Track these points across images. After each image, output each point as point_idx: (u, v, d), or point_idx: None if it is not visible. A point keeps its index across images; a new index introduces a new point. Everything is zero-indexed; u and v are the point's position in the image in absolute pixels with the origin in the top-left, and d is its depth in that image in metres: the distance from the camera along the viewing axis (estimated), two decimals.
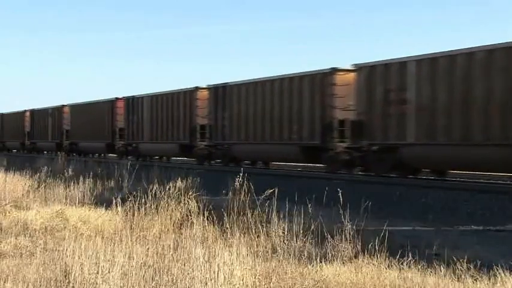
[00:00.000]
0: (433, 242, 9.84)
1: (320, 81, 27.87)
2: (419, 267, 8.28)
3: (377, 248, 8.83)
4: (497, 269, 7.91)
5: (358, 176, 25.74)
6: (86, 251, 7.98)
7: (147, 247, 8.78)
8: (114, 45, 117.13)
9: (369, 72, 25.31)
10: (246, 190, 11.62)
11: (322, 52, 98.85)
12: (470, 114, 21.03)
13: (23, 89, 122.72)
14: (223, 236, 9.80)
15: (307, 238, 9.67)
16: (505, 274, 7.78)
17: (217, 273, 7.30)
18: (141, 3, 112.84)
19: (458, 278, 7.82)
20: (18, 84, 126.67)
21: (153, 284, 7.34)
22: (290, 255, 8.93)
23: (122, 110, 45.11)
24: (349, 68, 26.89)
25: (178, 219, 11.41)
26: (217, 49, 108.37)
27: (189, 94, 37.48)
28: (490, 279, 7.79)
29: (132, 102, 43.76)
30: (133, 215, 11.64)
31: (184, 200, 11.85)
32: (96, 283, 7.28)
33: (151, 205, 11.81)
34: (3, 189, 16.97)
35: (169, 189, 12.41)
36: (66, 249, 8.20)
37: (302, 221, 9.93)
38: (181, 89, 38.72)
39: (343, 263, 8.79)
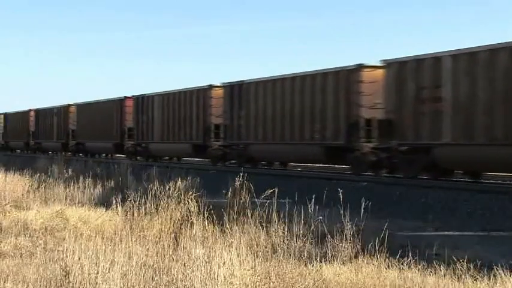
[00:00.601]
0: (433, 242, 9.85)
1: (345, 78, 26.56)
2: (420, 267, 8.28)
3: (377, 248, 8.84)
4: (497, 269, 7.91)
5: (361, 176, 25.67)
6: (86, 251, 7.98)
7: (147, 247, 8.78)
8: (114, 45, 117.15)
9: (398, 69, 23.89)
10: (246, 190, 11.62)
11: (322, 52, 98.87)
12: None
13: (22, 89, 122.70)
14: (223, 236, 9.80)
15: (307, 238, 9.67)
16: (505, 274, 7.78)
17: (217, 273, 7.30)
18: (141, 3, 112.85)
19: (458, 278, 7.82)
20: (18, 84, 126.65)
21: (153, 284, 7.34)
22: (290, 255, 8.93)
23: (130, 109, 43.98)
24: (377, 64, 25.53)
25: (178, 219, 11.41)
26: (217, 49, 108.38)
27: (203, 92, 36.27)
28: (490, 279, 7.79)
29: (142, 101, 42.55)
30: (133, 215, 11.65)
31: (184, 200, 11.85)
32: (96, 283, 7.28)
33: (151, 205, 11.81)
34: (3, 189, 16.97)
35: (169, 189, 12.42)
36: (66, 249, 8.19)
37: (302, 221, 9.93)
38: (194, 87, 37.57)
39: (343, 263, 8.79)
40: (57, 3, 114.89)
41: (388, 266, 8.33)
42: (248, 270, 7.56)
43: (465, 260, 8.12)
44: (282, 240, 9.56)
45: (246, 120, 32.50)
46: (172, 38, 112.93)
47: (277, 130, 30.23)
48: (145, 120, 41.71)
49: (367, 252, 8.91)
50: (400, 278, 7.88)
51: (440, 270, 8.08)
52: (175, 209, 11.68)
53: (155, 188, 12.41)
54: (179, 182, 13.16)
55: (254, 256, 8.27)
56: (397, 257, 8.53)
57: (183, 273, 7.43)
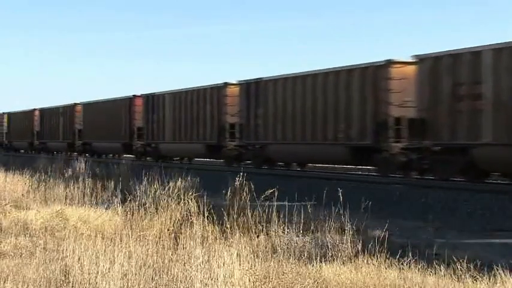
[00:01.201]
0: (433, 242, 9.85)
1: (373, 75, 25.35)
2: (419, 267, 8.28)
3: (377, 248, 8.84)
4: (497, 269, 7.91)
5: (358, 176, 25.64)
6: (86, 251, 7.98)
7: (147, 247, 8.78)
8: (114, 45, 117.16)
9: (432, 64, 22.55)
10: (246, 190, 11.62)
11: (322, 52, 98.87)
12: None
13: (22, 89, 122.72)
14: (223, 236, 9.80)
15: (307, 238, 9.67)
16: (505, 274, 7.78)
17: (217, 273, 7.30)
18: (141, 3, 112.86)
19: (458, 278, 7.82)
20: (18, 84, 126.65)
21: (153, 284, 7.34)
22: (290, 255, 8.93)
23: (140, 108, 42.71)
24: (408, 60, 24.30)
25: (178, 219, 11.41)
26: (217, 49, 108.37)
27: (217, 91, 35.02)
28: (490, 279, 7.79)
29: (152, 100, 41.29)
30: (133, 215, 11.65)
31: (184, 200, 11.85)
32: (96, 283, 7.28)
33: (151, 205, 11.81)
34: (3, 189, 16.97)
35: (169, 189, 12.41)
36: (66, 249, 8.19)
37: (302, 221, 9.94)
38: (208, 85, 36.33)
39: (343, 263, 8.79)
40: (57, 3, 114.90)
41: (388, 266, 8.33)
42: (248, 270, 7.56)
43: (465, 260, 8.12)
44: (282, 240, 9.57)
45: (263, 119, 31.28)
46: (172, 38, 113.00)
47: (297, 130, 29.04)
48: (156, 120, 40.54)
49: (367, 252, 8.91)
50: (400, 278, 7.88)
51: (440, 270, 8.08)
52: (175, 209, 11.69)
53: (155, 188, 12.41)
54: (179, 182, 13.14)
55: (254, 256, 8.27)
56: (397, 256, 8.52)
57: (183, 273, 7.42)
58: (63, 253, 8.19)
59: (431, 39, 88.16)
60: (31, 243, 10.66)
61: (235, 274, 7.36)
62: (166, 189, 12.39)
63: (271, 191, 10.88)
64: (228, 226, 10.23)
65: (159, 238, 10.09)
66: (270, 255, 8.87)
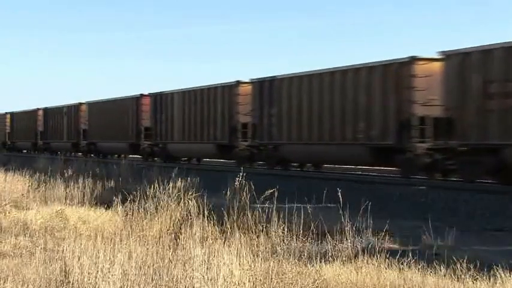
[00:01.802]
0: (433, 242, 9.84)
1: (395, 72, 24.53)
2: (419, 267, 8.27)
3: (377, 248, 8.83)
4: (497, 269, 7.91)
5: (359, 176, 25.60)
6: (86, 251, 7.97)
7: (147, 247, 8.78)
8: (114, 45, 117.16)
9: (461, 61, 21.55)
10: (246, 190, 11.61)
11: (322, 52, 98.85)
12: None
13: (23, 89, 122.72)
14: (223, 236, 9.80)
15: (307, 238, 9.67)
16: (505, 274, 7.78)
17: (217, 273, 7.30)
18: (141, 3, 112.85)
19: (458, 278, 7.82)
20: (18, 84, 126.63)
21: (153, 284, 7.34)
22: (290, 255, 8.93)
23: (147, 108, 41.93)
24: (433, 56, 23.43)
25: (178, 219, 11.41)
26: (217, 49, 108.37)
27: (229, 89, 34.10)
28: (490, 279, 7.79)
29: (160, 99, 40.46)
30: (133, 215, 11.64)
31: (184, 200, 11.84)
32: (96, 283, 7.28)
33: (151, 205, 11.80)
34: (3, 189, 16.96)
35: (169, 189, 12.41)
36: (66, 249, 8.19)
37: (302, 221, 9.93)
38: (219, 84, 35.40)
39: (343, 263, 8.78)
40: (57, 3, 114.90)
41: (388, 266, 8.33)
42: (248, 270, 7.55)
43: (465, 260, 8.12)
44: (281, 240, 9.57)
45: (277, 118, 30.38)
46: (172, 38, 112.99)
47: (314, 129, 28.12)
48: (164, 119, 39.77)
49: (367, 252, 8.91)
50: (400, 278, 7.88)
51: (440, 270, 8.08)
52: (175, 209, 11.69)
53: (155, 187, 12.40)
54: (179, 182, 13.14)
55: (254, 256, 8.27)
56: (397, 256, 8.52)
57: (183, 273, 7.42)
58: (63, 253, 8.18)
59: (431, 39, 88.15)
60: (31, 243, 10.67)
61: (235, 274, 7.36)
62: (166, 189, 12.38)
63: (271, 191, 10.87)
64: (228, 226, 10.23)
65: (159, 238, 10.09)
66: (269, 255, 8.87)
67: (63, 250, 8.33)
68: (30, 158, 39.89)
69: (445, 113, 22.28)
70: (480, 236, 12.49)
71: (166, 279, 7.39)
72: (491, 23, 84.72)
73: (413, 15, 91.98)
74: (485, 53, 20.91)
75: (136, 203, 11.81)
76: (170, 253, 8.39)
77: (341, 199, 10.12)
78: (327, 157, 28.72)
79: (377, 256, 8.65)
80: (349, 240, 9.36)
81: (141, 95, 43.06)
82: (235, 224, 10.35)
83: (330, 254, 9.19)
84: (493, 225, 13.84)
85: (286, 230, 9.78)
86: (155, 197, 12.15)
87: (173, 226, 11.24)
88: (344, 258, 9.00)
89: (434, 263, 8.33)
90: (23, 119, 63.16)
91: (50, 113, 57.51)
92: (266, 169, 30.30)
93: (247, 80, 33.43)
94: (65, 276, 7.54)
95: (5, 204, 14.48)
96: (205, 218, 10.55)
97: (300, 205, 11.07)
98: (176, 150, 38.87)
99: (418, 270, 8.17)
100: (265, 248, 9.33)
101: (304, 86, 28.98)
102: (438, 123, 22.70)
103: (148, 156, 41.33)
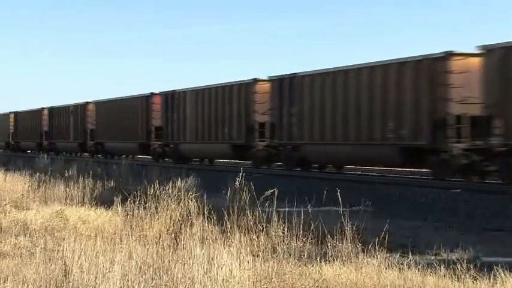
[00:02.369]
0: (433, 242, 9.84)
1: (428, 69, 23.28)
2: (419, 267, 8.28)
3: (377, 248, 8.83)
4: (497, 269, 7.91)
5: (359, 176, 25.54)
6: (85, 251, 7.98)
7: (147, 247, 8.78)
8: (114, 45, 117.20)
9: (503, 55, 20.19)
10: (246, 190, 11.60)
11: (322, 52, 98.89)
12: None
13: (25, 89, 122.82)
14: (223, 236, 9.80)
15: (307, 238, 9.67)
16: (505, 274, 7.78)
17: (217, 273, 7.30)
18: (141, 3, 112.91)
19: (458, 278, 7.82)
20: (21, 85, 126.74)
21: (153, 284, 7.34)
22: (290, 255, 8.93)
23: (158, 107, 40.67)
24: (470, 51, 22.22)
25: (178, 219, 11.41)
26: (217, 49, 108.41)
27: (245, 87, 32.78)
28: (490, 279, 7.79)
29: (172, 98, 39.05)
30: (133, 215, 11.65)
31: (184, 200, 11.85)
32: (96, 283, 7.28)
33: (151, 205, 11.81)
34: (3, 189, 16.97)
35: (169, 189, 12.41)
36: (66, 249, 8.19)
37: (302, 221, 9.93)
38: (235, 82, 33.99)
39: (343, 263, 8.79)
40: (57, 3, 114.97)
41: (388, 266, 8.33)
42: (248, 270, 7.56)
43: (465, 260, 8.12)
44: (281, 240, 9.57)
45: (298, 118, 29.04)
46: (172, 38, 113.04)
47: (338, 129, 26.89)
48: (176, 119, 38.35)
49: (367, 252, 8.91)
50: (400, 278, 7.88)
51: (440, 270, 8.08)
52: (175, 209, 11.69)
53: (155, 187, 12.40)
54: (179, 182, 13.14)
55: (254, 256, 8.27)
56: (397, 256, 8.52)
57: (183, 273, 7.42)
58: (63, 253, 8.18)
59: (431, 39, 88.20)
60: (31, 243, 10.66)
61: (235, 274, 7.36)
62: (166, 189, 12.38)
63: (271, 191, 10.87)
64: (228, 226, 10.23)
65: (159, 238, 10.09)
66: (270, 255, 8.87)
67: (63, 250, 8.34)
68: (30, 158, 39.66)
69: (484, 111, 20.99)
70: (480, 236, 12.48)
71: (166, 279, 7.40)
72: (491, 23, 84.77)
73: (413, 15, 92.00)
74: None
75: (137, 203, 11.81)
76: (170, 253, 8.39)
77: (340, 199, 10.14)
78: (352, 158, 27.59)
79: (377, 256, 8.66)
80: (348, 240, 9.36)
81: (152, 93, 41.89)
82: (235, 224, 10.34)
83: (330, 254, 9.18)
84: (493, 225, 13.84)
85: (286, 230, 9.78)
86: (155, 196, 12.15)
87: (173, 226, 11.24)
88: (344, 258, 9.00)
89: (434, 263, 8.33)
90: (27, 119, 61.94)
91: (55, 112, 56.38)
92: (262, 169, 29.92)
93: (265, 78, 32.23)
94: (65, 276, 7.54)
95: (5, 204, 14.48)
96: (206, 218, 10.55)
97: (300, 205, 11.08)
98: (188, 150, 37.76)
99: (418, 270, 8.18)
100: (265, 248, 9.33)
101: (327, 83, 27.75)
102: (476, 122, 21.56)
103: (158, 157, 40.30)
